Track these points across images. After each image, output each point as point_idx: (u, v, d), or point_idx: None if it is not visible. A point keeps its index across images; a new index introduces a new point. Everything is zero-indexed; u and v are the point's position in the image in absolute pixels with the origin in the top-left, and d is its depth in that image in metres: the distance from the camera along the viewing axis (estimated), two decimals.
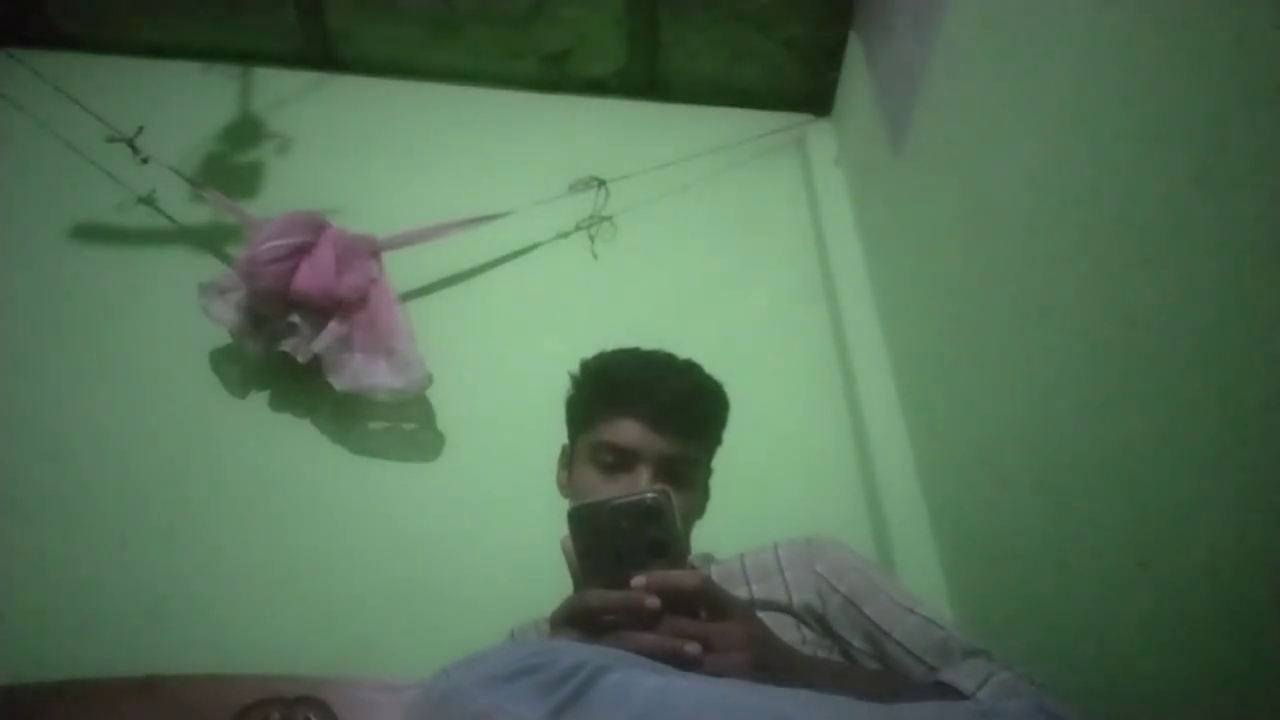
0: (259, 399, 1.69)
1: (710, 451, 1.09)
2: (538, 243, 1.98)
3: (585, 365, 1.10)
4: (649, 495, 0.69)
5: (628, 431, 0.99)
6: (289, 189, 1.99)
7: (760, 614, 0.91)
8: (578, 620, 0.67)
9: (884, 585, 0.94)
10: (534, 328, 1.82)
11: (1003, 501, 1.20)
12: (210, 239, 1.92)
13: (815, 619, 0.94)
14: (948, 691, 0.77)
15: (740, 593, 0.96)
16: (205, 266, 1.83)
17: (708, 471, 1.09)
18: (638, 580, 0.66)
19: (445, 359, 1.64)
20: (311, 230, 1.65)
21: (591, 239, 1.99)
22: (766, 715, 0.54)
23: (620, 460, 0.99)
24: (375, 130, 2.19)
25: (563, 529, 0.71)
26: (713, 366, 1.10)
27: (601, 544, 0.69)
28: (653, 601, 0.65)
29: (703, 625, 0.66)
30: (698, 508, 1.06)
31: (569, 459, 1.10)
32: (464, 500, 1.55)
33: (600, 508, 0.70)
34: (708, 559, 1.07)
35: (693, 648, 0.64)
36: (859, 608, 0.91)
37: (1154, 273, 0.87)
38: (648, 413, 0.99)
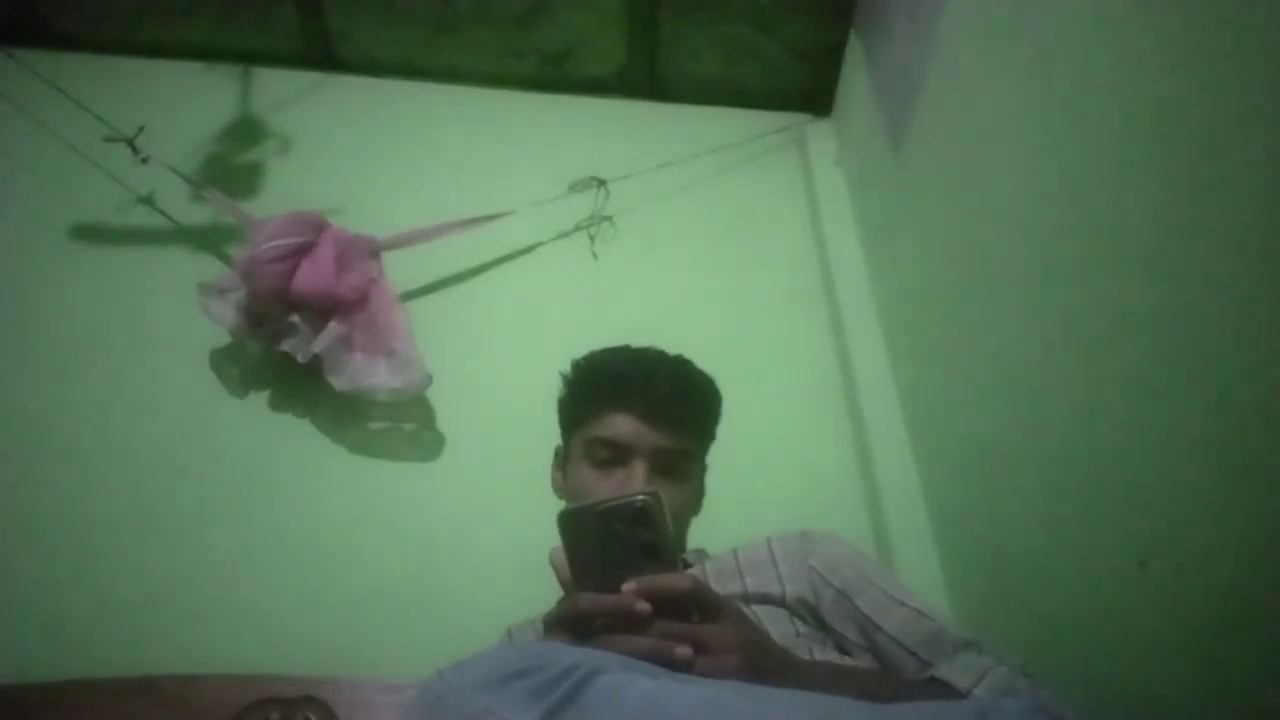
0: (259, 399, 1.69)
1: (704, 446, 1.09)
2: (538, 243, 1.98)
3: (576, 364, 1.10)
4: (639, 498, 0.69)
5: (621, 426, 0.99)
6: (289, 189, 1.99)
7: (754, 607, 0.91)
8: (569, 624, 0.67)
9: (876, 578, 0.93)
10: (534, 328, 1.82)
11: (1003, 501, 1.20)
12: (210, 239, 1.92)
13: (808, 612, 0.93)
14: (944, 689, 0.77)
15: (734, 586, 0.95)
16: (205, 266, 1.83)
17: (703, 467, 1.09)
18: (629, 585, 0.65)
19: (445, 359, 1.64)
20: (311, 230, 1.64)
21: (591, 239, 1.99)
22: (760, 718, 0.54)
23: (615, 455, 0.99)
24: (375, 130, 2.19)
25: None
26: (713, 366, 1.09)
27: (592, 548, 0.68)
28: (643, 607, 0.64)
29: (695, 628, 0.66)
30: (693, 503, 1.06)
31: (563, 460, 1.10)
32: (464, 500, 1.55)
33: (589, 511, 0.69)
34: (701, 554, 1.07)
35: (684, 651, 0.63)
36: (851, 600, 0.91)
37: (1153, 273, 0.87)
38: (640, 406, 0.99)
